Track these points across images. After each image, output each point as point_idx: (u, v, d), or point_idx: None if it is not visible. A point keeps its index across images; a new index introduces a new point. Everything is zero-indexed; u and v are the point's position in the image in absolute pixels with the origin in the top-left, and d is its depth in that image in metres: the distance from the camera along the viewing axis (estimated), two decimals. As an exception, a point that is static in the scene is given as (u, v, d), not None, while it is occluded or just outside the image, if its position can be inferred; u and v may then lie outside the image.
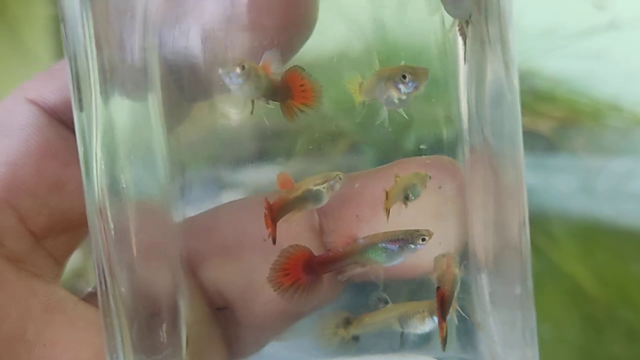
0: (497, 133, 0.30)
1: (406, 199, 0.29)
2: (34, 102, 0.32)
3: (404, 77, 0.28)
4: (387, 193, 0.29)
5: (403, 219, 0.29)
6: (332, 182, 0.29)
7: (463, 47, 0.29)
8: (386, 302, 0.30)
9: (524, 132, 0.31)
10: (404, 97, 0.28)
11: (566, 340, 0.67)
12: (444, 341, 0.29)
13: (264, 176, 0.29)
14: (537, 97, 0.70)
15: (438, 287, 0.28)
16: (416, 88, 0.28)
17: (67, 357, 0.30)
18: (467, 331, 0.30)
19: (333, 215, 0.30)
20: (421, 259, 0.29)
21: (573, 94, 0.71)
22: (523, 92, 0.31)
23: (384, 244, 0.29)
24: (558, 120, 0.70)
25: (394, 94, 0.28)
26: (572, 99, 0.71)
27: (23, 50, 0.74)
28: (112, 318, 0.29)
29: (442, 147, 0.30)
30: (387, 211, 0.29)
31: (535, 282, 0.31)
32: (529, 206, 0.31)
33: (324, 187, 0.29)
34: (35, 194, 0.31)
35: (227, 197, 0.31)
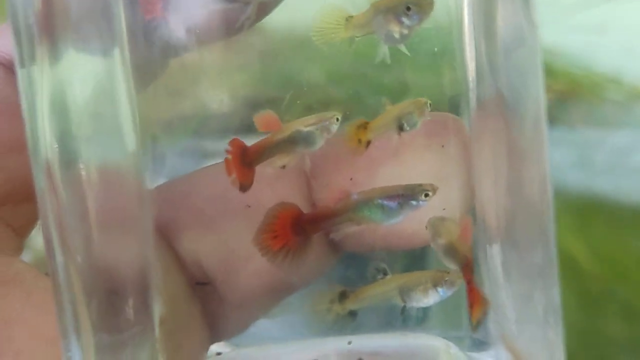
0: (512, 83, 0.25)
1: (400, 129, 0.25)
2: None
3: (408, 8, 0.24)
4: (364, 124, 0.25)
5: (401, 180, 0.25)
6: (326, 122, 0.24)
7: None
8: (385, 273, 0.26)
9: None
10: (405, 32, 0.24)
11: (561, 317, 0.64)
12: (478, 321, 0.25)
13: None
14: (535, 70, 0.66)
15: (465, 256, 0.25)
16: (420, 21, 0.24)
17: (25, 336, 0.26)
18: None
19: (325, 177, 0.26)
20: (423, 225, 0.25)
21: (572, 66, 0.68)
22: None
23: (381, 200, 0.25)
24: (556, 93, 0.67)
25: (395, 28, 0.24)
26: (571, 72, 0.68)
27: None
28: (63, 295, 0.25)
29: (444, 102, 0.26)
30: (366, 144, 0.25)
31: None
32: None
33: (316, 128, 0.24)
34: None
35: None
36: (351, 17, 0.25)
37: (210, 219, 0.27)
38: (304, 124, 0.25)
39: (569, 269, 0.65)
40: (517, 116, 0.25)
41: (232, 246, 0.27)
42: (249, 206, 0.26)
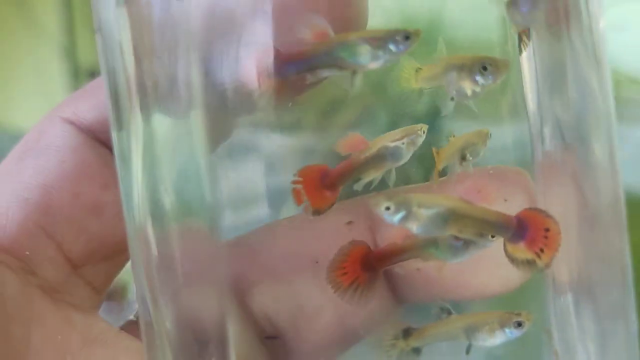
0: (583, 137, 0.25)
1: (463, 159, 0.25)
2: (69, 121, 0.28)
3: (485, 68, 0.24)
4: (437, 152, 0.25)
5: None
6: (412, 136, 0.24)
7: (525, 45, 0.25)
8: (449, 313, 0.27)
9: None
10: (478, 90, 0.24)
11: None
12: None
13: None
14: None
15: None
16: (494, 81, 0.24)
17: None
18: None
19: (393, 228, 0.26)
20: (491, 277, 0.26)
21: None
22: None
23: (447, 239, 0.25)
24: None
25: (469, 86, 0.24)
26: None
27: (33, 24, 0.71)
28: (157, 353, 0.25)
29: (507, 154, 0.26)
30: (437, 173, 0.25)
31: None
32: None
33: (403, 143, 0.24)
34: (72, 218, 0.28)
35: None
36: (420, 69, 0.24)
37: (280, 275, 0.27)
38: (390, 140, 0.24)
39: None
40: (589, 172, 0.25)
41: (301, 302, 0.27)
42: (317, 262, 0.26)
